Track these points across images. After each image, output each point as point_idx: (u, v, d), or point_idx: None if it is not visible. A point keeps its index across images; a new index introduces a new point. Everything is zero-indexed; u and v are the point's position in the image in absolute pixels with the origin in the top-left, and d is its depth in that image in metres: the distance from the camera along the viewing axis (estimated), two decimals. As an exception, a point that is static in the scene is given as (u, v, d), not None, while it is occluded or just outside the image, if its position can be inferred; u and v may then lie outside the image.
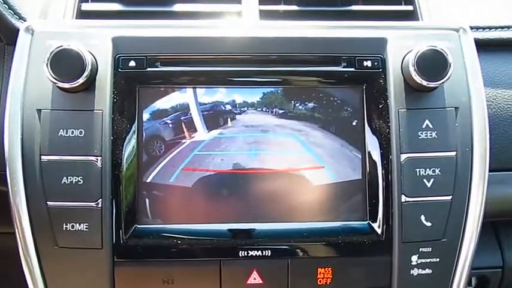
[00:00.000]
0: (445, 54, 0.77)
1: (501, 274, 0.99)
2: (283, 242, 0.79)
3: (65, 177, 0.76)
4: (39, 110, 0.78)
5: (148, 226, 0.78)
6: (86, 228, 0.76)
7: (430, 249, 0.80)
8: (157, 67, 0.79)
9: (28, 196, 0.77)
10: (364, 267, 0.80)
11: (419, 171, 0.80)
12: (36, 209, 0.77)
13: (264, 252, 0.78)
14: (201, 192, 0.79)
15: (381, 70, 0.81)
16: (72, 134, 0.77)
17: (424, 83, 0.78)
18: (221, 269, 0.78)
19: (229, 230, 0.78)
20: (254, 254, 0.78)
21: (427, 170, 0.80)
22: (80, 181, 0.76)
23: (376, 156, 0.80)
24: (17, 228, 0.77)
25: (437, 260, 0.81)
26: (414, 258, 0.80)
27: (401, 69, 0.81)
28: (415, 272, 0.80)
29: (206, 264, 0.78)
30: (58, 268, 0.77)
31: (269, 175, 0.80)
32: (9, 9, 0.89)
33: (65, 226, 0.76)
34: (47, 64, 0.74)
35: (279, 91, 0.81)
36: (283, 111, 0.81)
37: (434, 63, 0.78)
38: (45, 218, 0.76)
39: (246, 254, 0.78)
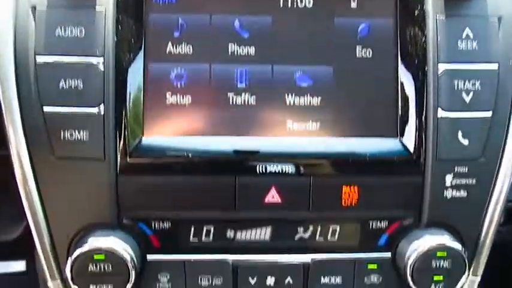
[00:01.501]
0: None
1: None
2: (306, 157, 0.71)
3: (62, 80, 0.68)
4: (33, 7, 0.69)
5: (156, 137, 0.70)
6: (86, 137, 0.68)
7: (466, 170, 0.73)
8: None
9: (22, 101, 0.68)
10: (393, 188, 0.73)
11: (457, 83, 0.72)
12: (31, 115, 0.68)
13: (284, 168, 0.70)
14: (216, 101, 0.71)
15: None
16: (71, 33, 0.68)
17: None
18: (236, 186, 0.70)
19: (247, 143, 0.71)
20: (273, 170, 0.70)
21: (466, 83, 0.72)
22: (80, 85, 0.68)
23: (411, 67, 0.72)
24: (10, 137, 0.69)
25: (474, 181, 0.73)
26: (449, 178, 0.73)
27: None
28: (448, 194, 0.73)
29: (220, 180, 0.71)
30: (55, 181, 0.70)
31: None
32: None
33: (62, 134, 0.68)
34: None
35: None
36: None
37: None
38: (41, 125, 0.68)
39: (264, 170, 0.70)
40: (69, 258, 0.68)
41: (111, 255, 0.67)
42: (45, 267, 0.73)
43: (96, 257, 0.67)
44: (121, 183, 0.70)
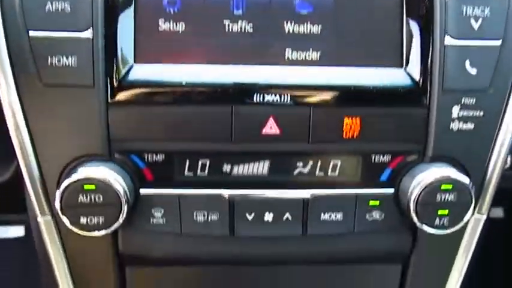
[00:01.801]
0: None
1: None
2: (306, 87, 0.68)
3: (49, 3, 0.64)
4: None
5: (148, 65, 0.67)
6: (74, 63, 0.65)
7: (473, 101, 0.69)
8: None
9: (6, 26, 0.65)
10: (397, 119, 0.69)
11: (466, 9, 0.68)
12: (16, 40, 0.65)
13: (282, 97, 0.67)
14: (211, 28, 0.68)
15: None
16: None
17: None
18: (233, 116, 0.67)
19: (244, 71, 0.67)
20: (271, 100, 0.67)
21: (475, 9, 0.68)
22: (67, 8, 0.64)
23: None
24: None
25: (481, 113, 0.70)
26: (455, 109, 0.69)
27: None
28: (455, 126, 0.70)
29: (215, 110, 0.67)
30: (43, 110, 0.66)
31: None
32: None
33: (50, 60, 0.65)
34: None
35: None
36: None
37: None
38: (27, 51, 0.65)
39: (261, 99, 0.67)
40: (58, 189, 0.65)
41: (102, 185, 0.64)
42: (34, 202, 0.70)
43: (86, 187, 0.64)
44: (112, 113, 0.66)
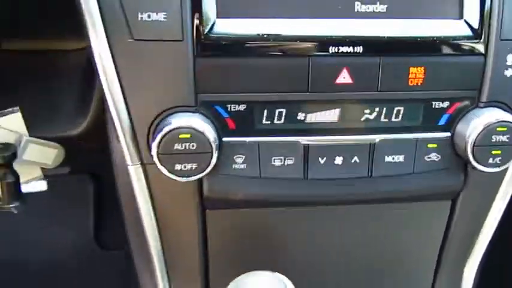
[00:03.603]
0: None
1: None
2: (376, 37, 0.73)
3: None
4: None
5: (230, 19, 0.71)
6: (164, 17, 0.69)
7: None
8: None
9: None
10: (456, 68, 0.76)
11: None
12: None
13: (355, 48, 0.72)
14: None
15: None
16: None
17: None
18: (310, 67, 0.72)
19: (320, 24, 0.72)
20: (345, 51, 0.72)
21: None
22: None
23: None
24: (87, 23, 0.69)
25: None
26: (510, 57, 0.76)
27: None
28: (508, 73, 0.76)
29: (294, 62, 0.72)
30: (133, 63, 0.70)
31: None
32: None
33: (140, 16, 0.68)
34: None
35: None
36: None
37: None
38: (118, 7, 0.68)
39: (336, 50, 0.72)
40: (155, 138, 0.70)
41: (196, 134, 0.70)
42: (126, 152, 0.76)
43: (181, 136, 0.70)
44: (198, 65, 0.71)
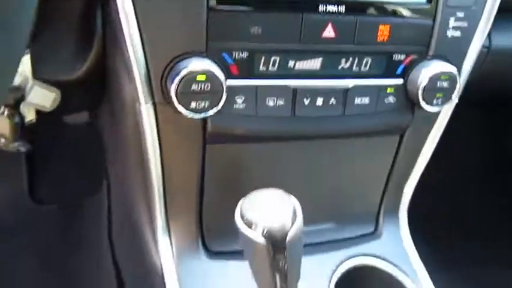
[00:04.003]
0: None
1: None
2: (355, 1, 0.89)
3: None
4: None
5: None
6: None
7: (462, 14, 0.96)
8: None
9: None
10: (413, 28, 0.94)
11: None
12: None
13: (339, 8, 0.88)
14: None
15: None
16: None
17: None
18: (302, 22, 0.87)
19: None
20: (331, 10, 0.87)
21: None
22: None
23: None
24: None
25: (466, 24, 0.97)
26: (451, 21, 0.95)
27: None
28: (449, 33, 0.96)
29: (289, 17, 0.86)
30: (153, 12, 0.79)
31: None
32: None
33: None
34: None
35: None
36: None
37: None
38: None
39: (324, 9, 0.87)
40: (174, 79, 0.81)
41: (211, 76, 0.82)
42: (140, 92, 0.85)
43: (198, 77, 0.81)
44: (210, 15, 0.82)
